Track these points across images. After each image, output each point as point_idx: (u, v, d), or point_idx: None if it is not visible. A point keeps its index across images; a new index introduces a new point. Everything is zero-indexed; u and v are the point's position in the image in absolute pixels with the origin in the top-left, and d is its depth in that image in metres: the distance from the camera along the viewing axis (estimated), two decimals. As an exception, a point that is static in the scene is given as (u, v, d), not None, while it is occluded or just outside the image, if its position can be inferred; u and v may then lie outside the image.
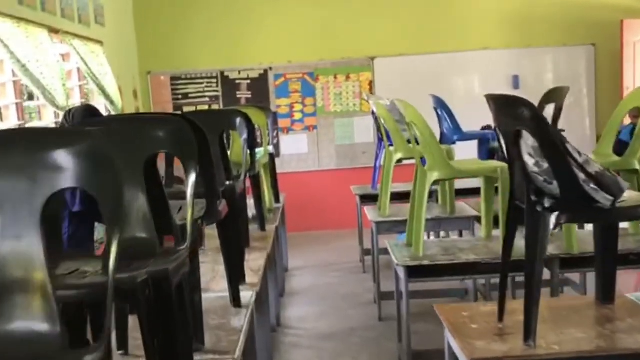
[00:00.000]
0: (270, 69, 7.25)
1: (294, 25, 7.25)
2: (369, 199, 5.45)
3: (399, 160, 4.31)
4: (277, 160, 7.36)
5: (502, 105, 2.09)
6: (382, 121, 4.43)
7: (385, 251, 4.27)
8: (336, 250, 6.50)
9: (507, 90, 7.29)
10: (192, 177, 1.79)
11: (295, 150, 7.35)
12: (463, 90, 7.33)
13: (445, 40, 7.26)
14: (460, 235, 5.02)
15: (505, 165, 3.13)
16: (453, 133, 5.43)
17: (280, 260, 4.99)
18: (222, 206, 2.41)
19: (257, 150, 4.61)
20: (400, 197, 4.90)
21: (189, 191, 1.78)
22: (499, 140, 2.27)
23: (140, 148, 1.81)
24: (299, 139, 7.35)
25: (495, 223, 3.52)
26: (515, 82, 7.29)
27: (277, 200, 5.12)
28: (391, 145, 4.63)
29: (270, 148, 4.74)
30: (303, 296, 5.06)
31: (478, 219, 4.20)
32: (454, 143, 5.45)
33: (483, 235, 3.53)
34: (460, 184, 4.20)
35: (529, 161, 1.98)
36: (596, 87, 7.31)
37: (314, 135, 7.33)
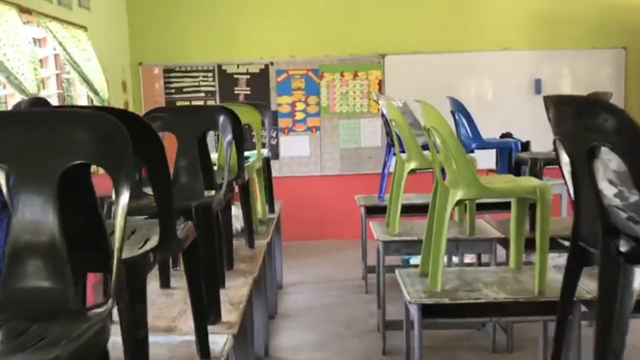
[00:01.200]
0: (272, 63, 6.69)
1: (298, 17, 6.69)
2: (376, 211, 4.88)
3: (412, 171, 3.73)
4: (275, 163, 6.83)
5: (573, 109, 1.51)
6: (394, 125, 3.85)
7: (391, 269, 3.72)
8: (337, 264, 5.93)
9: (528, 96, 6.73)
10: (123, 200, 1.21)
11: (296, 152, 6.78)
12: (480, 94, 6.75)
13: (462, 39, 6.68)
14: (479, 259, 4.45)
15: (546, 184, 2.57)
16: (472, 140, 4.85)
17: (272, 277, 4.42)
18: (187, 231, 1.84)
19: (249, 153, 4.05)
20: (411, 210, 4.34)
21: (118, 221, 1.21)
22: (557, 157, 1.68)
23: (52, 157, 1.24)
24: (300, 140, 6.78)
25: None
26: (538, 86, 6.71)
27: (272, 209, 4.55)
28: (403, 152, 4.06)
29: (265, 151, 4.17)
30: (297, 320, 4.49)
31: (501, 240, 3.64)
32: (472, 151, 4.88)
33: (512, 265, 2.96)
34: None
35: (608, 190, 1.41)
36: (626, 93, 6.72)
37: (317, 137, 6.77)
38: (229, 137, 2.61)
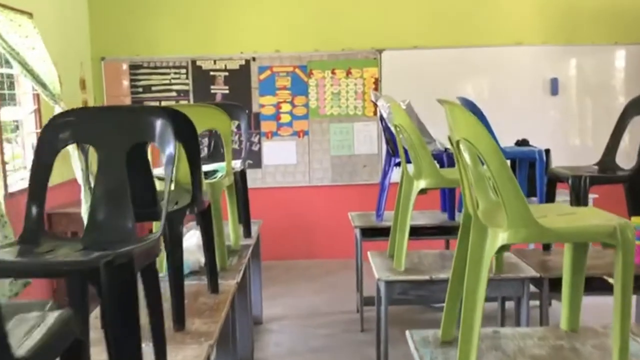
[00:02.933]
0: (254, 59, 5.88)
1: (284, 7, 5.88)
2: (373, 233, 4.08)
3: (422, 191, 2.93)
4: (257, 172, 6.02)
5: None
6: (400, 131, 3.05)
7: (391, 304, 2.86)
8: (327, 291, 5.12)
9: (544, 96, 5.96)
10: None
11: (280, 160, 5.97)
12: (488, 94, 5.96)
13: (469, 32, 5.90)
14: (502, 303, 3.65)
15: (627, 223, 1.77)
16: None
17: (246, 315, 3.60)
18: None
19: (215, 167, 3.25)
20: (415, 232, 3.55)
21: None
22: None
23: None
24: (285, 146, 5.97)
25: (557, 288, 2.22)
26: (554, 86, 5.94)
27: (248, 233, 3.74)
28: (409, 162, 3.26)
29: (238, 163, 3.34)
30: (278, 369, 3.68)
31: (535, 281, 2.86)
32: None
33: (564, 326, 2.17)
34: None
35: None
36: (653, 96, 5.96)
37: (305, 142, 5.96)
38: (169, 150, 1.80)
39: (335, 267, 5.75)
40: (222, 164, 3.17)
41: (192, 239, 3.27)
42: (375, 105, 4.24)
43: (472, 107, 4.18)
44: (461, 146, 1.95)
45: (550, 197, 3.44)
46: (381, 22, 5.88)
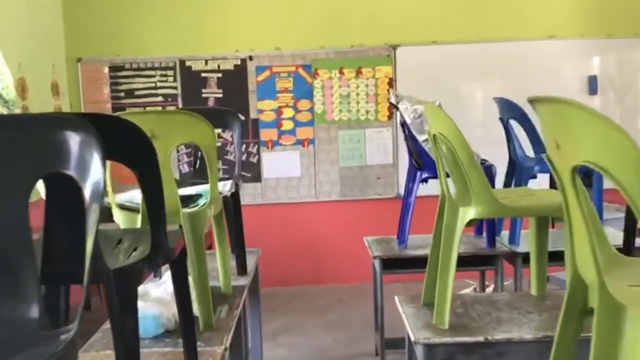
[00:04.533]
0: (251, 58, 5.16)
1: (285, -2, 5.19)
2: (396, 264, 3.36)
3: (472, 221, 2.21)
4: (257, 187, 5.30)
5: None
6: (442, 142, 2.31)
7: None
8: (338, 326, 4.39)
9: (581, 96, 5.22)
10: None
11: (282, 172, 5.25)
12: (517, 94, 5.22)
13: (495, 25, 5.19)
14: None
15: None
16: (534, 161, 3.34)
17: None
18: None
19: (198, 190, 2.53)
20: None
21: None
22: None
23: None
24: (288, 157, 5.25)
25: None
26: (592, 84, 5.22)
27: (243, 269, 3.01)
28: (448, 176, 2.53)
29: (227, 185, 2.60)
30: None
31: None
32: (533, 177, 3.39)
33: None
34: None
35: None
36: None
37: (310, 152, 5.24)
38: (98, 177, 1.08)
39: (347, 294, 5.02)
40: (206, 187, 2.45)
41: (168, 282, 2.55)
42: (395, 108, 3.53)
43: (512, 109, 3.46)
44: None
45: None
46: (396, 15, 5.17)
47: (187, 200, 2.50)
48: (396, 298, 2.58)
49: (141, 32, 5.14)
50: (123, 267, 1.51)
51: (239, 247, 3.05)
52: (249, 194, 5.22)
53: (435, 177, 3.40)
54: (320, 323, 4.45)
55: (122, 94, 5.16)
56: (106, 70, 5.13)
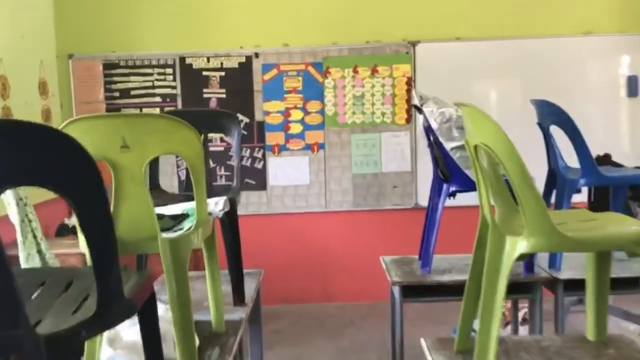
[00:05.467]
0: (257, 55, 4.73)
1: (294, -11, 4.76)
2: (417, 292, 2.91)
3: (523, 255, 1.75)
4: (262, 196, 4.86)
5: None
6: (485, 154, 1.86)
7: None
8: (351, 352, 3.95)
9: (619, 98, 4.77)
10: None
11: (290, 180, 4.81)
12: (549, 95, 4.75)
13: (524, 20, 4.73)
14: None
15: None
16: (582, 173, 2.88)
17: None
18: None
19: (185, 209, 2.10)
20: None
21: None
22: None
23: None
24: (296, 163, 4.81)
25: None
26: (632, 85, 4.75)
27: (240, 298, 2.58)
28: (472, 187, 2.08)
29: (217, 204, 2.16)
30: None
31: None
32: (578, 191, 2.93)
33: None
34: None
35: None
36: None
37: (320, 158, 4.80)
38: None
39: (360, 315, 4.58)
40: (188, 207, 2.02)
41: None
42: (418, 110, 3.08)
43: (553, 112, 3.00)
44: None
45: None
46: (415, 8, 4.72)
47: (173, 222, 2.07)
48: (423, 342, 2.14)
49: (138, 27, 4.73)
50: (54, 334, 1.08)
51: (236, 272, 2.61)
52: (254, 203, 4.79)
53: (465, 190, 2.95)
54: (330, 350, 4.00)
55: (117, 94, 4.74)
56: (100, 67, 4.72)
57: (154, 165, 2.81)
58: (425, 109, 2.89)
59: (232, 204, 2.50)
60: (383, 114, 4.76)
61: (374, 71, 4.73)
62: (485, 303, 1.78)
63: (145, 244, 1.84)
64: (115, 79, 4.73)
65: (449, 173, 2.93)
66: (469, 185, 2.86)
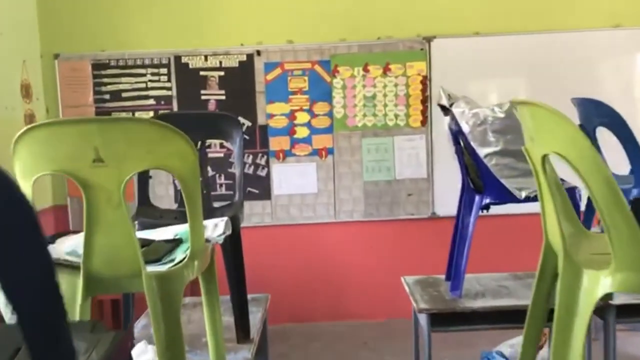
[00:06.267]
0: (259, 53, 4.36)
1: (299, -19, 4.38)
2: (446, 320, 2.54)
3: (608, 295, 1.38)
4: (266, 205, 4.48)
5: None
6: (554, 160, 1.49)
7: None
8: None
9: (652, 97, 4.38)
10: None
11: (296, 188, 4.44)
12: (575, 94, 4.38)
13: (547, 13, 4.37)
14: None
15: None
16: (636, 180, 2.51)
17: None
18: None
19: (178, 233, 1.72)
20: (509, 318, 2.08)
21: None
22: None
23: None
24: (302, 170, 4.43)
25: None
26: (666, 83, 4.37)
27: (245, 334, 2.20)
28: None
29: (216, 229, 1.77)
30: None
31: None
32: (630, 202, 2.55)
33: None
34: None
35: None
36: None
37: (328, 164, 4.42)
38: None
39: (373, 335, 4.20)
40: (180, 230, 1.64)
41: (143, 357, 1.76)
42: (444, 111, 2.71)
43: (601, 111, 2.63)
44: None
45: None
46: (430, 1, 4.36)
47: (162, 249, 1.69)
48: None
49: (130, 23, 4.35)
50: None
51: (239, 303, 2.24)
52: (257, 214, 4.41)
53: (500, 203, 2.59)
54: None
55: (107, 96, 4.37)
56: (88, 68, 4.35)
57: (142, 175, 2.44)
58: (454, 110, 2.52)
59: (235, 223, 2.13)
60: (396, 116, 4.39)
61: (386, 70, 4.35)
62: (557, 352, 1.41)
63: (127, 281, 1.47)
64: (105, 80, 4.36)
65: (482, 183, 2.56)
66: (505, 197, 2.50)
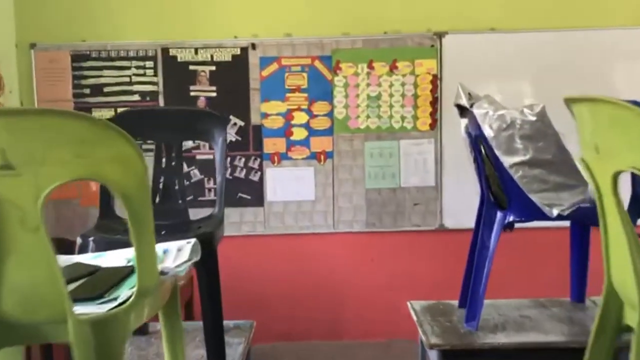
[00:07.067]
0: (254, 46, 3.99)
1: (299, -32, 4.01)
2: (463, 356, 2.16)
3: None
4: (259, 213, 4.10)
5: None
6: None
7: None
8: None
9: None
10: None
11: (292, 195, 4.06)
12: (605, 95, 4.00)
13: (569, 9, 4.00)
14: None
15: None
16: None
17: None
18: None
19: (126, 259, 1.34)
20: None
21: None
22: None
23: None
24: (299, 175, 4.06)
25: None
26: (699, 87, 3.98)
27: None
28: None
29: (179, 255, 1.40)
30: None
31: None
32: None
33: None
34: None
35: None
36: None
37: (327, 169, 4.05)
38: None
39: (374, 356, 3.84)
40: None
41: None
42: (461, 112, 2.34)
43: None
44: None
45: None
46: (442, -7, 3.99)
47: (104, 282, 1.31)
48: None
49: (113, 12, 3.99)
50: None
51: (214, 335, 1.86)
52: (248, 222, 4.04)
53: (527, 220, 2.22)
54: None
55: (87, 91, 4.00)
56: (67, 59, 3.98)
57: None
58: (476, 111, 2.14)
59: (210, 242, 1.75)
60: (403, 117, 4.01)
61: (392, 67, 3.98)
62: None
63: (49, 328, 1.10)
64: (86, 73, 3.99)
65: (506, 197, 2.19)
66: (533, 215, 2.14)
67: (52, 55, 3.98)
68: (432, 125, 4.00)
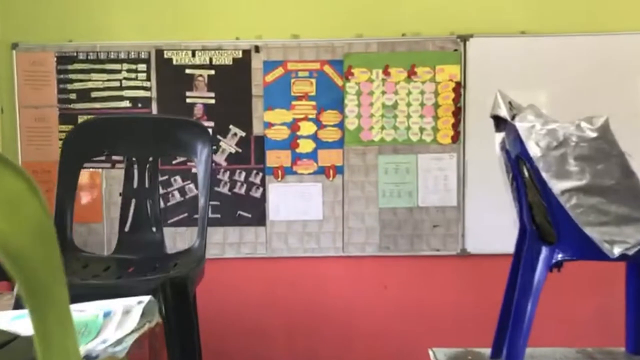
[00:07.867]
0: (257, 49, 3.61)
1: (308, -37, 3.64)
2: None
3: None
4: (260, 233, 3.70)
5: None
6: None
7: None
8: None
9: None
10: None
11: (297, 214, 3.66)
12: (630, 104, 3.59)
13: (606, 12, 3.59)
14: None
15: None
16: None
17: None
18: None
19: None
20: None
21: None
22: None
23: None
24: (305, 192, 3.66)
25: None
26: None
27: None
28: None
29: (130, 317, 1.00)
30: None
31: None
32: None
33: None
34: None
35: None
36: None
37: (337, 185, 3.65)
38: None
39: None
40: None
41: None
42: (497, 124, 1.93)
43: None
44: None
45: None
46: (467, -9, 3.60)
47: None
48: None
49: (103, 9, 3.63)
50: None
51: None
52: (248, 243, 3.65)
53: (580, 259, 1.80)
54: None
55: (74, 96, 3.64)
56: (52, 61, 3.62)
57: (60, 199, 1.67)
58: (519, 124, 1.73)
59: (183, 287, 1.35)
60: (422, 129, 3.61)
61: (411, 73, 3.58)
62: None
63: None
64: (72, 76, 3.63)
65: (555, 230, 1.77)
66: (588, 253, 1.73)
67: (35, 56, 3.62)
68: (455, 138, 3.59)
